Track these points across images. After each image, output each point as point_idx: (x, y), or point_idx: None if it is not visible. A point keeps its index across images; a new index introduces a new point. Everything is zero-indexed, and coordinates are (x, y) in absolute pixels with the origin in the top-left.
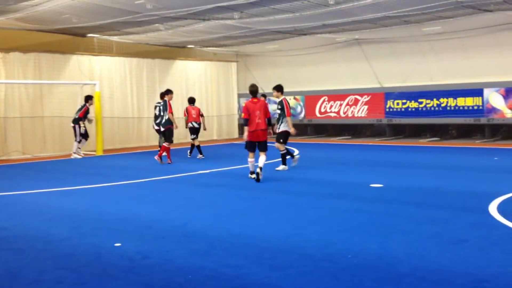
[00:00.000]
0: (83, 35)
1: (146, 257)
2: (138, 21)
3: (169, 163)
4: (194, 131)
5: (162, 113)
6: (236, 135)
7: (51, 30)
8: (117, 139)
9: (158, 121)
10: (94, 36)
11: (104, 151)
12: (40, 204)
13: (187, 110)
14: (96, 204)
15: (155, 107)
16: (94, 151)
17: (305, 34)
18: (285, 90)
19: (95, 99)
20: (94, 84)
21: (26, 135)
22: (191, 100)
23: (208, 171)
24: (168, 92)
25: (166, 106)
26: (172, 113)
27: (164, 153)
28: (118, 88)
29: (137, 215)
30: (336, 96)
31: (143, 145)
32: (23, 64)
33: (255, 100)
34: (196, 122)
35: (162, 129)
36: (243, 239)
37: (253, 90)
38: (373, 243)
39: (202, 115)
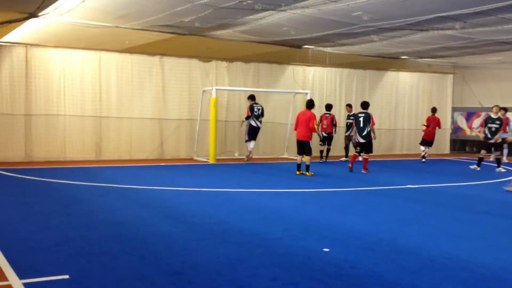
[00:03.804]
0: (299, 47)
1: (354, 267)
2: (353, 32)
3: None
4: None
5: (364, 125)
6: (447, 150)
7: (270, 42)
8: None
9: (364, 133)
10: (309, 48)
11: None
12: (256, 203)
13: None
14: (304, 208)
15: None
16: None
17: None
18: (508, 105)
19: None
20: (306, 93)
21: (243, 138)
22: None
23: (416, 186)
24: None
25: (369, 119)
26: (374, 125)
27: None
28: (328, 97)
29: (343, 223)
30: None
31: (340, 154)
32: (244, 73)
33: None
34: (325, 132)
35: (362, 141)
36: (458, 263)
37: None
38: None
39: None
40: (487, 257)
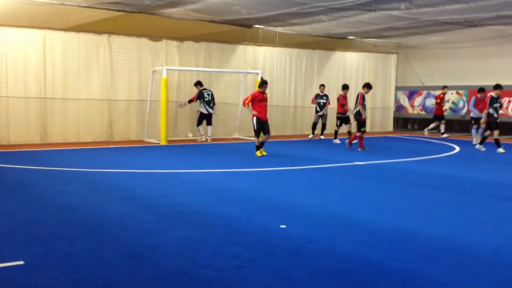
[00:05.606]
0: (250, 26)
1: (311, 241)
2: (303, 12)
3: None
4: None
5: (355, 104)
6: (390, 128)
7: (221, 21)
8: (273, 126)
9: (354, 111)
10: (259, 27)
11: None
12: (212, 183)
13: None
14: (260, 187)
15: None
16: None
17: (475, 26)
18: (448, 84)
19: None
20: (257, 73)
21: (194, 119)
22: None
23: (363, 162)
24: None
25: (357, 98)
26: (361, 104)
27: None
28: (279, 77)
29: (297, 200)
30: (507, 92)
31: (297, 133)
32: (195, 52)
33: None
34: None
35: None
36: (407, 235)
37: None
38: None
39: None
40: (434, 228)
